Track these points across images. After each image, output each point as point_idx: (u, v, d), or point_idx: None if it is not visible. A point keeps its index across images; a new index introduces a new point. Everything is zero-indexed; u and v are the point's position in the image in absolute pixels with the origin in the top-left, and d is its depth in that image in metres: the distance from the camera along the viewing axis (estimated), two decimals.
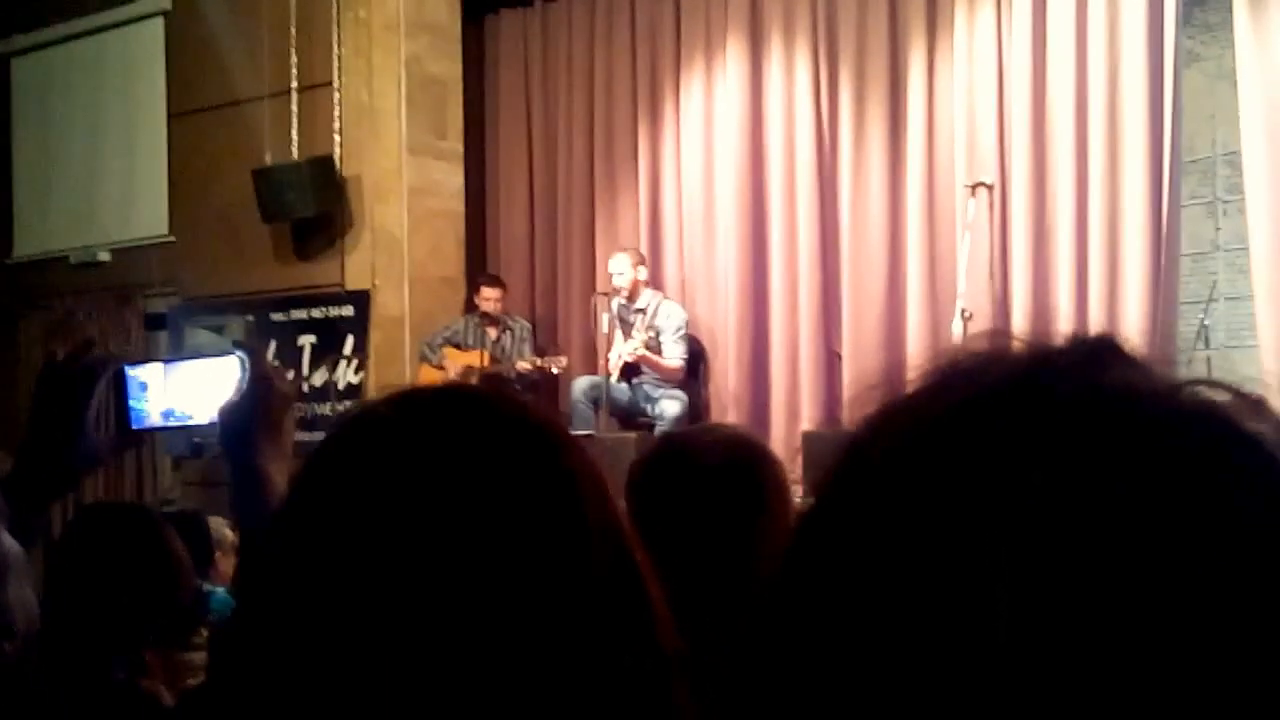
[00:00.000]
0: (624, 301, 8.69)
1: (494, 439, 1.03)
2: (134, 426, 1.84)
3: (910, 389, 0.67)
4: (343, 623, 0.96)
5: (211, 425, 1.71)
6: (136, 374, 1.84)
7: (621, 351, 8.51)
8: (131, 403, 1.82)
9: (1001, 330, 0.70)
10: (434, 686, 0.94)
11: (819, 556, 0.65)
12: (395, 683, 0.94)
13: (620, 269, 8.64)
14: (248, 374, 1.62)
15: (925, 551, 0.59)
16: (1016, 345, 0.67)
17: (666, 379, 8.55)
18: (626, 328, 8.64)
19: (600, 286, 9.07)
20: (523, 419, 1.06)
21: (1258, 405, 0.63)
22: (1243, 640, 0.56)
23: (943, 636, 0.58)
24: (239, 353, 1.66)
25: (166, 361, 1.85)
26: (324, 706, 0.95)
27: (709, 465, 2.16)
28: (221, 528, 5.30)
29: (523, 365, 8.84)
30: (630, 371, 8.61)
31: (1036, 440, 0.60)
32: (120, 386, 1.82)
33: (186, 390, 1.83)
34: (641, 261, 8.76)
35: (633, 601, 1.01)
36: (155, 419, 1.84)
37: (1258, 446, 0.61)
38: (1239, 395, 0.63)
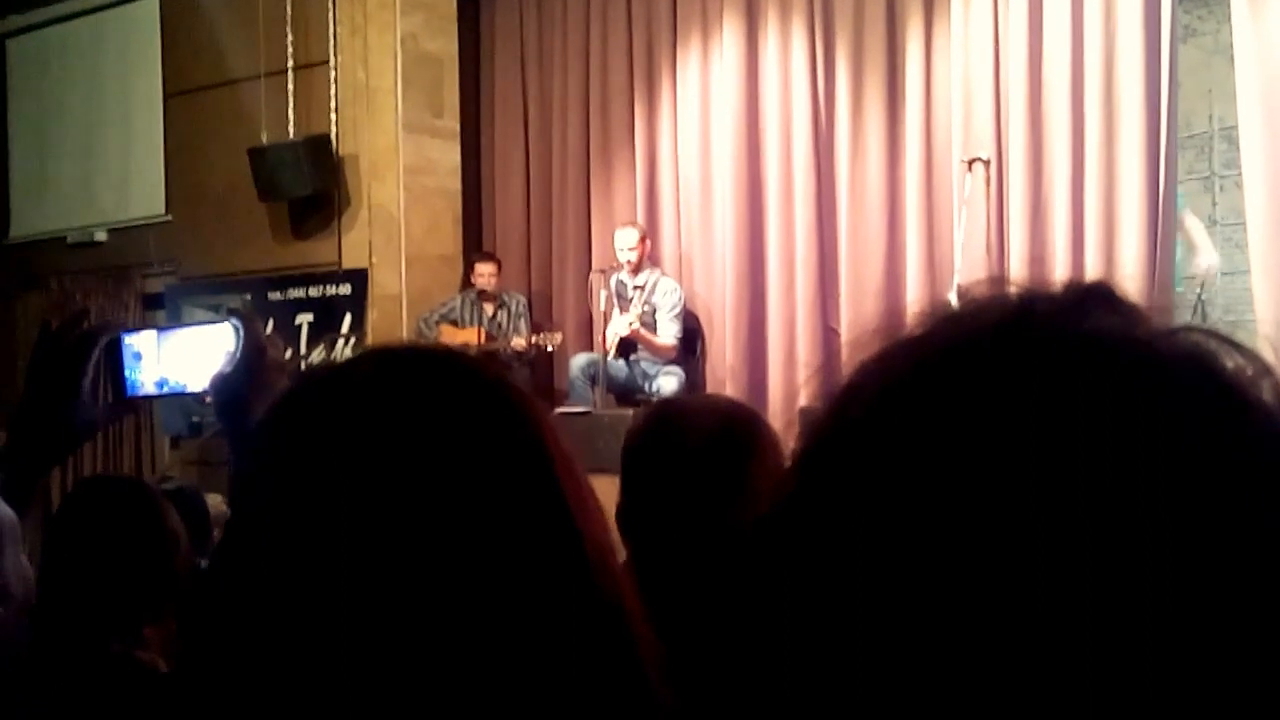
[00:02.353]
0: (622, 278, 8.68)
1: (434, 394, 1.03)
2: (129, 394, 1.84)
3: (906, 334, 0.68)
4: (292, 580, 0.96)
5: (205, 393, 1.72)
6: (131, 342, 1.84)
7: (617, 328, 8.51)
8: (126, 371, 1.83)
9: (999, 277, 0.70)
10: (380, 641, 0.94)
11: (813, 497, 0.65)
12: (347, 638, 0.94)
13: (629, 243, 8.62)
14: (241, 342, 1.63)
15: (913, 493, 0.60)
16: (1010, 291, 0.68)
17: (661, 357, 8.56)
18: (624, 303, 8.64)
19: (597, 263, 9.08)
20: (465, 370, 1.07)
21: (1247, 352, 0.64)
22: (1217, 579, 0.57)
23: (930, 575, 0.59)
24: (232, 320, 1.66)
25: (160, 330, 1.86)
26: (283, 667, 0.96)
27: (703, 430, 2.17)
28: (220, 504, 5.30)
29: (518, 343, 8.85)
30: (627, 348, 8.61)
31: (1014, 385, 0.61)
32: (116, 355, 1.82)
33: (180, 358, 1.83)
34: (646, 236, 8.77)
35: (564, 549, 1.01)
36: (149, 388, 1.85)
37: (1235, 389, 0.61)
38: (1230, 343, 0.64)
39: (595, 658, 1.00)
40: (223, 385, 1.61)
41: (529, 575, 0.98)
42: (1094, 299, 0.66)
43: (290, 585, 0.96)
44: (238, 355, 1.61)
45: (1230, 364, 0.63)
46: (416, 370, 1.05)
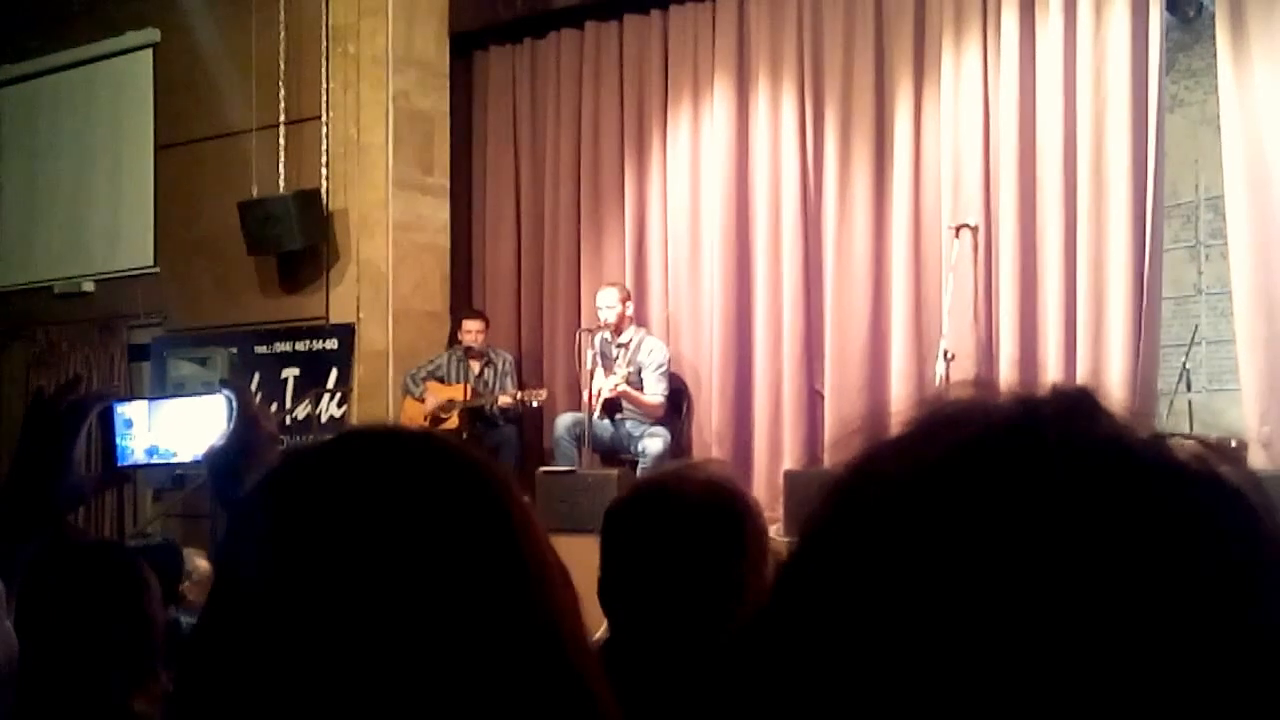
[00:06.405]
0: (607, 337, 8.69)
1: (417, 475, 1.05)
2: (120, 464, 1.84)
3: (894, 433, 0.68)
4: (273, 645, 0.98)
5: (195, 463, 1.71)
6: (123, 411, 1.84)
7: (602, 387, 8.51)
8: (118, 440, 1.83)
9: (983, 378, 0.71)
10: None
11: (809, 599, 0.65)
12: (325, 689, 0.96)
13: (609, 302, 8.65)
14: (234, 414, 1.62)
15: (922, 594, 0.60)
16: (998, 394, 0.68)
17: (647, 415, 8.55)
18: (608, 363, 8.65)
19: (585, 322, 9.08)
20: (441, 454, 1.08)
21: (1226, 453, 0.64)
22: (1229, 673, 0.57)
23: (942, 679, 0.59)
24: (225, 392, 1.66)
25: (152, 399, 1.86)
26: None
27: (687, 507, 2.16)
28: (194, 557, 5.30)
29: (503, 399, 8.85)
30: (613, 408, 8.60)
31: (1032, 487, 0.61)
32: (108, 423, 1.82)
33: (171, 428, 1.84)
34: (629, 297, 8.78)
35: (530, 632, 1.03)
36: (140, 456, 1.85)
37: (1237, 494, 0.62)
38: (1209, 446, 0.65)
39: None
40: (217, 458, 1.60)
41: (494, 656, 0.99)
42: (1084, 404, 0.66)
43: (269, 663, 0.98)
44: (231, 428, 1.61)
45: (1214, 464, 0.64)
46: (393, 453, 1.07)
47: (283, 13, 9.64)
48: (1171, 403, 7.94)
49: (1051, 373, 7.58)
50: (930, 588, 0.60)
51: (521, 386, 9.12)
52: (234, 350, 9.76)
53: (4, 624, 1.76)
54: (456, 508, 1.03)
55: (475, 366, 9.12)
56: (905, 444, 0.67)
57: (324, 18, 9.55)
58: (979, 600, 0.59)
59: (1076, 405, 0.66)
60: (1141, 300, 7.58)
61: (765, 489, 8.14)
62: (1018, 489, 0.61)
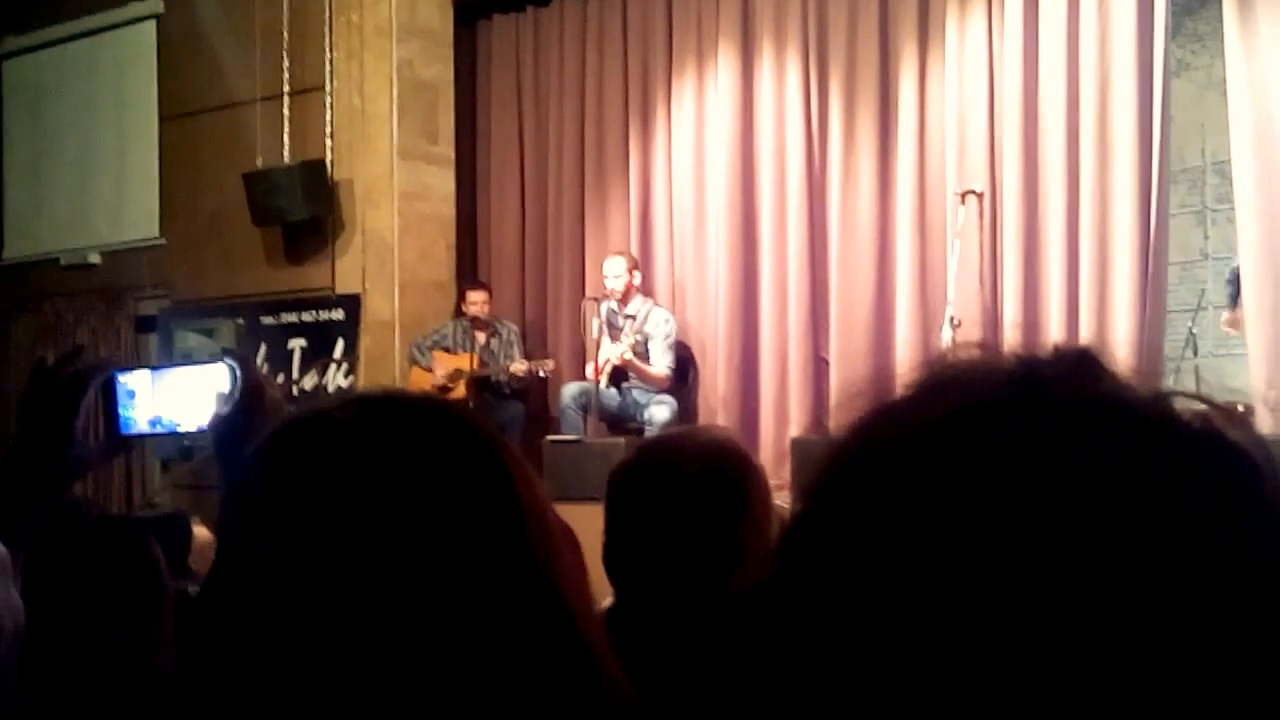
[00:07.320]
0: (614, 306, 8.69)
1: (421, 435, 1.06)
2: (122, 433, 1.84)
3: (897, 395, 0.68)
4: (281, 607, 0.99)
5: (200, 432, 1.71)
6: (125, 381, 1.84)
7: (609, 355, 8.51)
8: (120, 410, 1.82)
9: (986, 340, 0.71)
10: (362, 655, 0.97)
11: (813, 559, 0.65)
12: (334, 659, 0.97)
13: (616, 271, 8.65)
14: (238, 383, 1.62)
15: (927, 554, 0.60)
16: (1002, 354, 0.68)
17: (653, 386, 8.56)
18: (615, 332, 8.64)
19: (590, 291, 9.08)
20: (444, 418, 1.09)
21: (1231, 414, 0.64)
22: (1230, 629, 0.58)
23: (945, 639, 0.59)
24: (228, 360, 1.65)
25: (155, 369, 1.85)
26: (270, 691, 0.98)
27: (690, 470, 2.14)
28: (201, 528, 5.28)
29: (516, 367, 8.85)
30: (619, 377, 8.61)
31: (1035, 443, 0.61)
32: (110, 393, 1.82)
33: (174, 397, 1.83)
34: (636, 266, 8.77)
35: (531, 592, 1.03)
36: (143, 426, 1.84)
37: (1239, 450, 0.62)
38: (1214, 406, 0.65)
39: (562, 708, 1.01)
40: (222, 427, 1.60)
41: (496, 623, 1.00)
42: (1087, 364, 0.66)
43: (270, 628, 0.99)
44: (235, 397, 1.61)
45: (1218, 424, 0.64)
46: (397, 416, 1.07)
47: None
48: (1178, 368, 7.94)
49: (1057, 338, 7.56)
50: (933, 547, 0.60)
51: (528, 357, 9.11)
52: (240, 321, 9.77)
53: (11, 592, 1.76)
54: (457, 471, 1.03)
55: (481, 337, 9.12)
56: (907, 405, 0.67)
57: None
58: (981, 559, 0.59)
59: (1079, 364, 0.66)
60: (1147, 265, 7.56)
61: (772, 456, 8.15)
62: (1020, 446, 0.61)
